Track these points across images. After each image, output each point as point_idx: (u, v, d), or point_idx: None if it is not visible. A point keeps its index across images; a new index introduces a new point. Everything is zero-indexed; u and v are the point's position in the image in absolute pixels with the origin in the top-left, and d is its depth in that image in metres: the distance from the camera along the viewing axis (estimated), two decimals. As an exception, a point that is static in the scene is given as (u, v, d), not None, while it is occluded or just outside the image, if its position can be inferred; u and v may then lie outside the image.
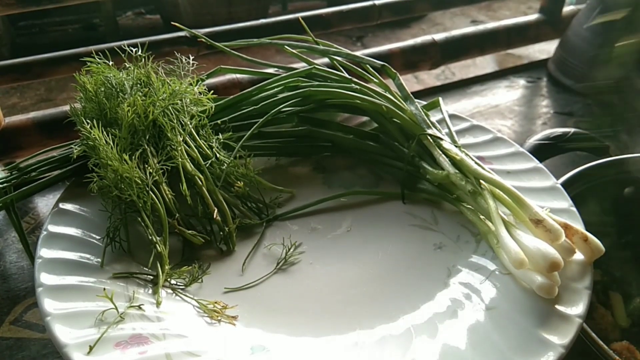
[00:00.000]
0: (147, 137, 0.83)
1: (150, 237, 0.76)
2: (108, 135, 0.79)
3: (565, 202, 0.84)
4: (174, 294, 0.75)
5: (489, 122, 1.36)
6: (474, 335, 0.68)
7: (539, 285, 0.69)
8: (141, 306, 0.70)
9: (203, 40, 1.14)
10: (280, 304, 0.76)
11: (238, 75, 1.22)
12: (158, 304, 0.71)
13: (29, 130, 1.11)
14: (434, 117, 1.00)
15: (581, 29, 1.48)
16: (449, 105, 1.05)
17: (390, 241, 0.86)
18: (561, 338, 0.64)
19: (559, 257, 0.68)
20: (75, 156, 0.82)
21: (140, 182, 0.77)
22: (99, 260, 0.75)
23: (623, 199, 0.93)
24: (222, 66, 1.08)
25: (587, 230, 0.75)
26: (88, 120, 0.80)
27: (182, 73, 0.94)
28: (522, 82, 1.59)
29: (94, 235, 0.79)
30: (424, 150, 0.93)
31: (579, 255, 0.74)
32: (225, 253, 0.84)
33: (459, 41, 1.52)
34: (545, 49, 1.81)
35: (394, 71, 1.05)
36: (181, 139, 0.84)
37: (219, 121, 0.96)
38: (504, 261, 0.75)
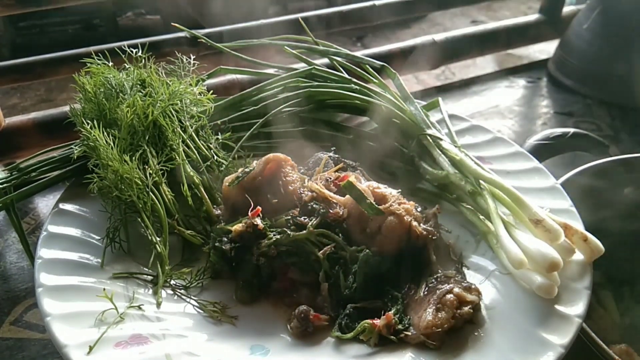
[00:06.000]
0: (147, 138, 0.83)
1: (150, 238, 0.76)
2: (108, 136, 0.79)
3: (565, 202, 0.84)
4: (174, 294, 0.75)
5: (489, 122, 1.36)
6: (474, 335, 0.68)
7: (538, 286, 0.69)
8: (141, 306, 0.70)
9: (203, 40, 1.14)
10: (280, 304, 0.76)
11: (238, 76, 1.22)
12: (158, 304, 0.71)
13: (29, 130, 1.11)
14: (434, 117, 1.00)
15: (581, 29, 1.48)
16: (449, 105, 1.05)
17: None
18: (561, 338, 0.64)
19: (558, 257, 0.68)
20: (75, 157, 0.82)
21: (140, 182, 0.78)
22: (99, 260, 0.75)
23: (623, 199, 0.93)
24: (222, 66, 1.09)
25: (586, 230, 0.76)
26: (88, 121, 0.80)
27: (183, 73, 0.94)
28: (522, 82, 1.59)
29: (93, 236, 0.79)
30: (423, 150, 0.93)
31: (578, 255, 0.74)
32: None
33: (459, 41, 1.52)
34: (545, 49, 1.81)
35: (394, 71, 1.05)
36: (181, 140, 0.85)
37: (219, 121, 0.96)
38: (504, 261, 0.75)
